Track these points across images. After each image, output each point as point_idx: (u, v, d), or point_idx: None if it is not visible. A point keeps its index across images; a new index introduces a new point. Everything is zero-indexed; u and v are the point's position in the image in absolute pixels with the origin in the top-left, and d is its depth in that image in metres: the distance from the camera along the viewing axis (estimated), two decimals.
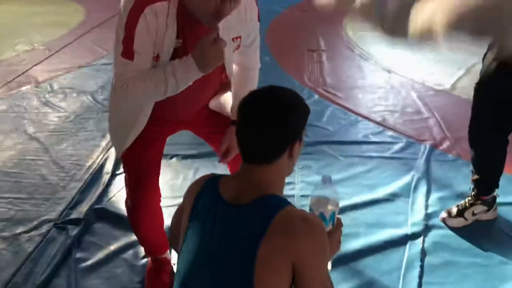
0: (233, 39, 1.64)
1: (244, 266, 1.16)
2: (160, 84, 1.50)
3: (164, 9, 1.47)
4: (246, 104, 1.25)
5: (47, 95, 4.00)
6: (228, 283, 1.19)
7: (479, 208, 2.34)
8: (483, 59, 2.15)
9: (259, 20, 1.72)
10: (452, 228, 2.32)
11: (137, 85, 1.51)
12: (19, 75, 4.43)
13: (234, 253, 1.18)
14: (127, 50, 1.49)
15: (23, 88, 4.14)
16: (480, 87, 2.16)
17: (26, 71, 4.53)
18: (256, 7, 1.69)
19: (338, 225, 1.39)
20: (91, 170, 2.90)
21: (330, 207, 1.35)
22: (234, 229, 1.20)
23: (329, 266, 1.35)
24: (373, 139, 3.18)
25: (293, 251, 1.15)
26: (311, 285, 1.20)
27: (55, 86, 4.17)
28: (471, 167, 2.38)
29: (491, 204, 2.36)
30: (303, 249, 1.16)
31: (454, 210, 2.36)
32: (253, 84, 1.85)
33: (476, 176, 2.33)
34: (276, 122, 1.21)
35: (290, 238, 1.15)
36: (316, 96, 3.82)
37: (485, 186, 2.33)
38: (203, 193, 1.28)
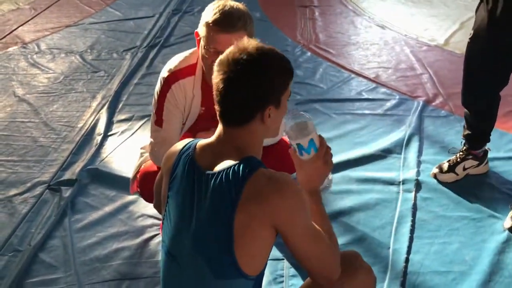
0: None
1: (223, 234, 1.16)
2: None
3: (190, 82, 1.79)
4: (219, 67, 1.19)
5: (34, 56, 3.92)
6: (209, 251, 1.19)
7: (470, 163, 2.36)
8: (476, 11, 2.11)
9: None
10: (443, 183, 2.35)
11: (158, 150, 1.80)
12: (5, 36, 4.32)
13: (213, 221, 1.18)
14: (158, 119, 1.83)
15: (10, 49, 4.05)
16: (474, 42, 2.13)
17: (12, 31, 4.42)
18: None
19: (322, 145, 1.32)
20: (82, 132, 2.88)
21: (306, 136, 1.29)
22: (210, 197, 1.18)
23: (330, 176, 1.32)
24: (366, 96, 3.16)
25: (268, 214, 1.14)
26: (297, 242, 1.20)
27: (43, 47, 4.08)
28: (463, 122, 2.38)
29: (482, 158, 2.37)
30: (278, 210, 1.15)
31: (445, 165, 2.38)
32: None
33: (467, 131, 2.34)
34: (245, 84, 1.17)
35: (263, 202, 1.14)
36: (309, 54, 3.77)
37: (476, 140, 2.34)
38: (180, 160, 1.26)
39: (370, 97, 3.15)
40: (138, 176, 1.95)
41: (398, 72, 3.44)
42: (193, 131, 1.91)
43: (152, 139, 1.88)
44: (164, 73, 1.84)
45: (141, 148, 2.06)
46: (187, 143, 1.30)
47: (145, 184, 1.86)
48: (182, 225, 1.23)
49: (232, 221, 1.14)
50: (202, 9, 4.48)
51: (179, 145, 1.32)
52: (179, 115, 1.84)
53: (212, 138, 1.26)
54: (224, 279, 1.19)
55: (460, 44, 3.77)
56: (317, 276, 1.28)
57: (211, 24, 1.65)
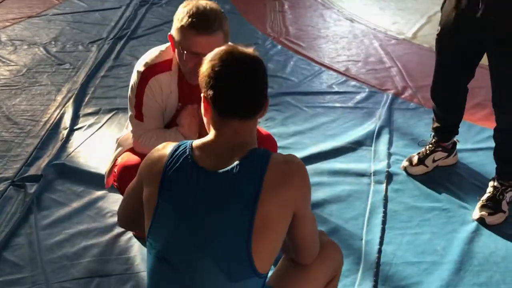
0: None
1: (241, 230, 1.15)
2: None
3: (167, 77, 1.78)
4: (226, 64, 1.20)
5: None
6: (224, 252, 1.16)
7: (439, 155, 2.39)
8: (442, 7, 2.13)
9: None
10: (413, 176, 2.37)
11: (146, 143, 1.81)
12: None
13: (228, 220, 1.16)
14: (138, 114, 1.82)
15: None
16: (441, 38, 2.15)
17: None
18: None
19: None
20: (47, 126, 2.78)
21: None
22: (224, 195, 1.17)
23: None
24: (337, 89, 3.17)
25: (294, 196, 1.19)
26: (306, 223, 1.25)
27: (3, 38, 3.93)
28: (432, 115, 2.41)
29: (451, 150, 2.41)
30: (299, 195, 1.20)
31: (415, 158, 2.40)
32: None
33: (436, 124, 2.37)
34: (258, 77, 1.23)
35: (289, 185, 1.18)
36: (279, 47, 3.76)
37: (445, 133, 2.38)
38: (172, 166, 1.21)
39: (340, 90, 3.16)
40: (115, 170, 1.89)
41: (367, 66, 3.47)
42: (170, 127, 1.87)
43: (134, 133, 1.86)
44: (139, 67, 1.79)
45: (117, 139, 2.00)
46: (178, 146, 1.24)
47: (123, 178, 1.80)
48: (182, 229, 1.19)
49: (254, 214, 1.14)
50: (170, 1, 4.43)
51: (164, 150, 1.25)
52: (159, 108, 1.82)
53: (210, 137, 1.24)
54: (237, 281, 1.17)
55: (428, 38, 3.83)
56: (308, 257, 1.34)
57: (187, 28, 1.62)
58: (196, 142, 1.24)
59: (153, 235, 1.23)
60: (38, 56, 3.62)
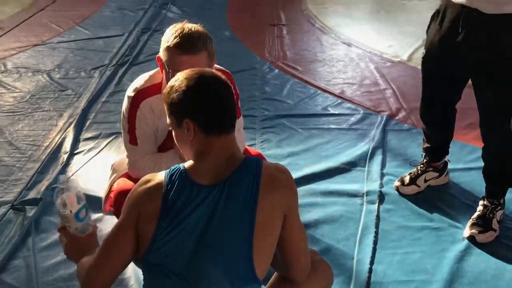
0: None
1: (243, 236, 1.21)
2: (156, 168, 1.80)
3: (156, 100, 1.78)
4: (208, 85, 1.27)
5: (0, 75, 3.88)
6: (228, 260, 1.22)
7: (430, 175, 2.43)
8: (427, 31, 2.19)
9: (237, 104, 1.83)
10: (405, 195, 2.40)
11: (142, 165, 1.86)
12: None
13: (232, 228, 1.22)
14: (132, 138, 1.86)
15: None
16: (427, 60, 2.20)
17: None
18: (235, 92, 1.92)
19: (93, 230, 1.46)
20: (48, 150, 2.85)
21: (77, 204, 1.37)
22: (225, 204, 1.23)
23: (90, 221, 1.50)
24: (332, 111, 3.23)
25: (284, 203, 1.26)
26: (296, 229, 1.31)
27: (9, 66, 4.05)
28: (423, 136, 2.45)
29: (442, 170, 2.44)
30: (289, 198, 1.28)
31: (407, 178, 2.44)
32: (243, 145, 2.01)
33: (426, 144, 2.41)
34: (232, 94, 1.31)
35: (282, 189, 1.26)
36: (277, 70, 3.83)
37: (436, 153, 2.42)
38: (171, 188, 1.24)
39: (335, 112, 3.21)
40: (112, 195, 1.94)
41: (362, 88, 3.53)
42: (164, 149, 1.91)
43: (129, 157, 1.91)
44: (129, 92, 1.85)
45: (112, 165, 2.05)
46: (171, 171, 1.27)
47: (120, 203, 1.83)
48: (194, 244, 1.23)
49: (254, 219, 1.21)
50: None
51: (156, 179, 1.27)
52: (152, 131, 1.87)
53: (198, 157, 1.28)
54: (240, 287, 1.24)
55: None
56: (300, 272, 1.38)
57: (173, 48, 1.68)
58: (188, 164, 1.30)
59: (155, 254, 1.25)
60: (42, 83, 3.73)
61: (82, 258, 1.37)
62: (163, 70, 1.78)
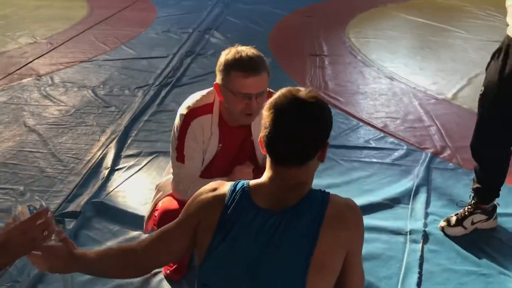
0: None
1: (296, 271, 1.16)
2: None
3: (208, 120, 1.83)
4: (282, 106, 1.20)
5: (47, 88, 3.98)
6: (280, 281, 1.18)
7: (478, 217, 2.34)
8: (486, 69, 2.15)
9: None
10: (451, 237, 2.31)
11: (184, 191, 1.85)
12: (21, 67, 4.41)
13: (285, 261, 1.18)
14: (179, 156, 1.85)
15: (24, 81, 4.13)
16: (485, 98, 2.15)
17: (28, 63, 4.51)
18: None
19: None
20: (90, 164, 2.88)
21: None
22: (283, 237, 1.19)
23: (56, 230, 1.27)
24: (374, 144, 3.17)
25: (347, 241, 1.20)
26: (355, 272, 1.25)
27: (56, 80, 4.15)
28: (472, 176, 2.37)
29: (491, 213, 2.35)
30: (355, 238, 1.22)
31: (453, 219, 2.35)
32: None
33: (477, 185, 2.33)
34: (315, 123, 1.21)
35: (344, 228, 1.19)
36: None
37: (486, 195, 2.33)
38: (231, 205, 1.24)
39: (378, 146, 3.16)
40: (156, 214, 1.92)
41: (406, 123, 3.47)
42: (209, 170, 1.91)
43: (175, 176, 1.91)
44: (182, 110, 1.86)
45: (157, 185, 2.05)
46: (235, 186, 1.27)
47: (164, 222, 1.80)
48: (239, 267, 1.20)
49: (313, 250, 1.16)
50: (215, 52, 4.62)
51: (221, 189, 1.28)
52: (200, 150, 1.86)
53: (266, 177, 1.26)
54: None
55: (467, 99, 3.82)
56: None
57: (236, 72, 1.69)
58: (253, 182, 1.27)
59: (206, 270, 1.24)
60: (87, 98, 3.80)
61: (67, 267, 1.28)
62: (222, 95, 1.77)
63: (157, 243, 1.30)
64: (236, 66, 1.68)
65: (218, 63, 1.76)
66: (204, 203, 1.28)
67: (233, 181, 1.69)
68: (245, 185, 1.26)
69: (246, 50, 1.73)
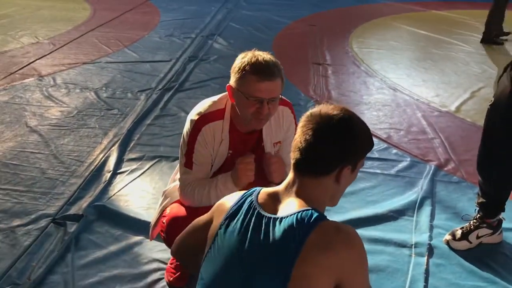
0: (274, 144, 1.92)
1: (278, 278, 1.14)
2: (206, 195, 1.83)
3: (219, 126, 1.82)
4: (312, 115, 1.24)
5: (49, 89, 3.95)
6: None
7: (483, 231, 2.32)
8: (498, 79, 2.14)
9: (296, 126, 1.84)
10: (456, 251, 2.30)
11: (192, 191, 1.85)
12: (23, 67, 4.39)
13: (270, 264, 1.16)
14: (188, 161, 1.84)
15: (26, 81, 4.10)
16: (494, 110, 2.14)
17: (30, 63, 4.49)
18: (291, 115, 1.93)
19: None
20: (92, 167, 2.85)
21: None
22: (272, 241, 1.18)
23: None
24: (378, 155, 3.16)
25: (336, 266, 1.14)
26: None
27: (58, 81, 4.13)
28: (475, 190, 2.36)
29: (496, 227, 2.33)
30: (346, 264, 1.15)
31: (459, 232, 2.33)
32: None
33: (482, 199, 2.32)
34: (335, 139, 1.21)
35: (332, 253, 1.14)
36: None
37: (491, 209, 2.31)
38: (238, 204, 1.27)
39: (382, 157, 3.14)
40: (164, 220, 1.90)
41: (409, 135, 3.46)
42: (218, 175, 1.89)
43: (181, 181, 1.88)
44: (193, 115, 1.84)
45: (163, 192, 2.02)
46: (250, 190, 1.31)
47: (172, 229, 1.79)
48: (232, 265, 1.21)
49: (291, 270, 1.13)
50: (218, 58, 4.62)
51: (239, 193, 1.33)
52: (209, 157, 1.84)
53: (280, 186, 1.28)
54: None
55: (471, 113, 3.82)
56: None
57: (250, 76, 1.68)
58: (266, 188, 1.30)
59: (205, 267, 1.27)
60: (89, 100, 3.78)
61: None
62: (234, 98, 1.76)
63: (189, 239, 1.40)
64: (251, 69, 1.67)
65: (234, 65, 1.75)
66: (221, 202, 1.34)
67: (235, 175, 1.78)
68: (257, 190, 1.29)
69: (263, 55, 1.73)
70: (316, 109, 1.25)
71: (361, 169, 3.06)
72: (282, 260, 1.14)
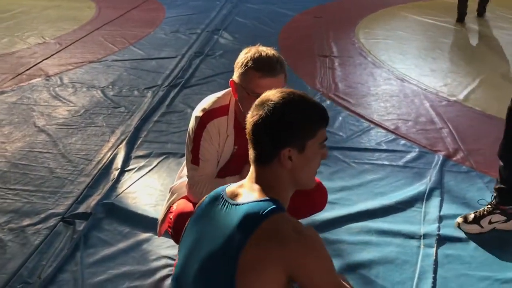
0: None
1: (227, 266, 1.17)
2: None
3: (223, 121, 1.82)
4: (254, 105, 1.31)
5: (57, 89, 3.98)
6: (211, 280, 1.20)
7: (497, 217, 2.30)
8: None
9: None
10: (466, 236, 2.28)
11: (200, 190, 1.84)
12: (30, 68, 4.41)
13: (220, 253, 1.20)
14: (194, 158, 1.84)
15: (33, 81, 4.13)
16: None
17: (37, 64, 4.51)
18: None
19: None
20: (100, 165, 2.86)
21: None
22: (223, 227, 1.22)
23: None
24: (386, 147, 3.14)
25: (287, 260, 1.15)
26: None
27: (65, 80, 4.15)
28: (485, 179, 2.35)
29: (510, 215, 2.31)
30: (294, 258, 1.15)
31: (471, 216, 2.32)
32: None
33: (500, 185, 2.30)
34: (264, 126, 1.25)
35: (283, 245, 1.15)
36: (328, 102, 3.79)
37: (508, 196, 2.29)
38: (210, 194, 1.34)
39: (389, 148, 3.12)
40: (171, 216, 1.90)
41: (417, 125, 3.43)
42: (225, 172, 1.89)
43: (189, 179, 1.89)
44: (198, 112, 1.84)
45: (170, 188, 2.03)
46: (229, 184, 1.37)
47: (179, 225, 1.79)
48: (192, 253, 1.26)
49: (238, 254, 1.15)
50: (224, 53, 4.61)
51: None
52: (215, 153, 1.84)
53: (246, 178, 1.33)
54: None
55: (479, 101, 3.78)
56: None
57: (253, 71, 1.68)
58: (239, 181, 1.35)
59: (178, 257, 1.35)
60: (96, 99, 3.79)
61: None
62: (237, 93, 1.76)
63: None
64: (253, 65, 1.67)
65: (237, 60, 1.75)
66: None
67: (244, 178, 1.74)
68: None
69: (267, 51, 1.72)
70: (259, 99, 1.29)
71: (368, 161, 3.08)
72: (232, 246, 1.17)
